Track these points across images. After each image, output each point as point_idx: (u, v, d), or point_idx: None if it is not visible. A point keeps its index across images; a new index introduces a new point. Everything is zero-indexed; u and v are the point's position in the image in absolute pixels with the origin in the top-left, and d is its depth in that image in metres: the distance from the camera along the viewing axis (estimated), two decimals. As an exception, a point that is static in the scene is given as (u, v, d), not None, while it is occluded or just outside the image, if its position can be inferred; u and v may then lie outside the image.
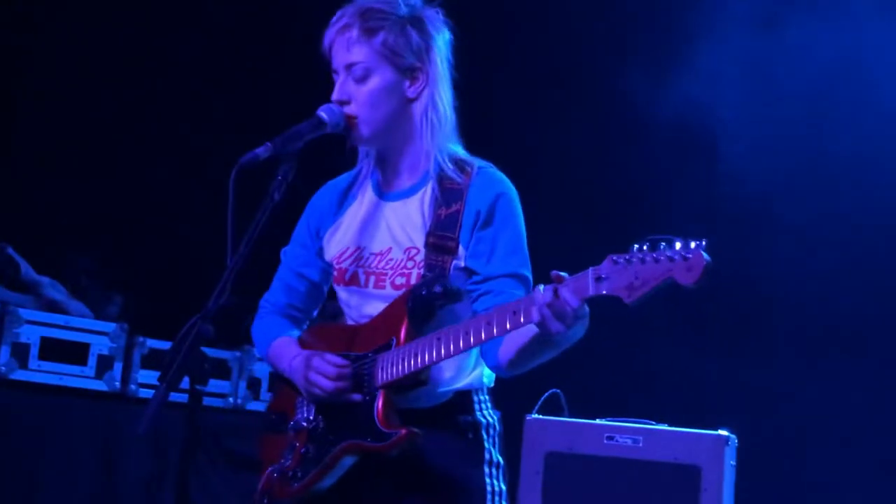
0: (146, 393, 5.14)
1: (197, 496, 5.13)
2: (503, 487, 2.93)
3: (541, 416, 4.58)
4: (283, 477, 2.94)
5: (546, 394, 4.57)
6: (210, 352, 5.13)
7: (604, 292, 2.48)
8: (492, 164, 2.99)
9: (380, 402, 2.81)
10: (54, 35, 6.52)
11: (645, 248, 2.45)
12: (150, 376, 5.18)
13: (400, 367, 2.79)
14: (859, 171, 5.42)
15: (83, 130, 6.43)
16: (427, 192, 2.94)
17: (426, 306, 2.80)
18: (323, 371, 2.87)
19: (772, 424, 5.33)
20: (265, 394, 5.55)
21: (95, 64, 6.47)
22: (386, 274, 2.93)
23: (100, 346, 5.10)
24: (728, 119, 5.70)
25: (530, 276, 2.90)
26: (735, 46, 5.66)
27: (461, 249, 2.86)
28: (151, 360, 5.20)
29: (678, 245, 2.41)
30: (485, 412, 2.95)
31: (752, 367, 5.56)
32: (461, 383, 2.92)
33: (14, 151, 6.37)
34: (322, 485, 2.89)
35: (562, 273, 2.56)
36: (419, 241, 2.89)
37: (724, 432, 4.44)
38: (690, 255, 2.39)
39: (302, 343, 3.05)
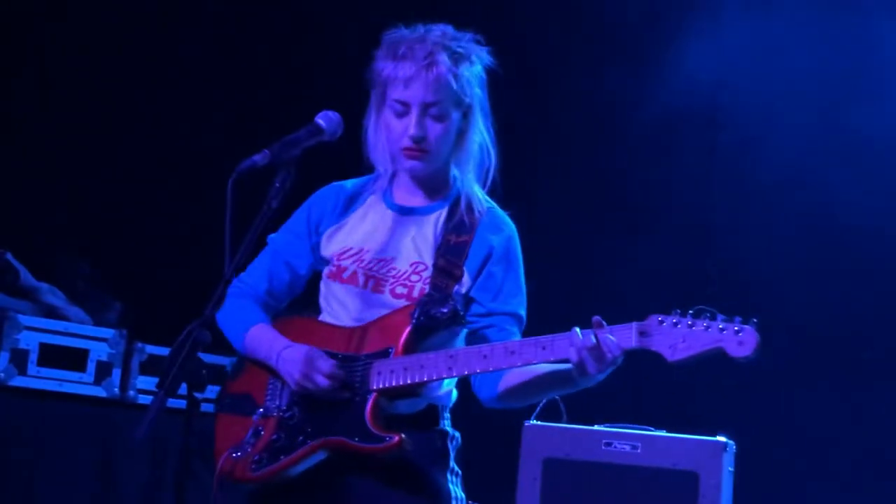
0: (145, 399, 5.14)
1: (194, 502, 5.12)
2: (462, 495, 3.04)
3: (539, 423, 4.59)
4: (246, 460, 2.99)
5: (545, 400, 4.57)
6: (208, 358, 5.09)
7: (645, 347, 2.74)
8: (497, 206, 3.10)
9: (370, 405, 2.90)
10: (49, 38, 6.52)
11: (689, 313, 2.72)
12: (148, 382, 5.17)
13: (401, 377, 2.88)
14: (859, 174, 5.40)
15: (81, 135, 6.42)
16: (442, 215, 3.04)
17: (431, 324, 2.90)
18: (322, 370, 2.91)
19: (770, 430, 5.33)
20: (263, 400, 5.54)
21: (92, 68, 6.47)
22: (387, 280, 2.99)
23: (99, 352, 5.10)
24: (727, 117, 5.68)
25: (525, 318, 3.07)
26: (740, 32, 5.64)
27: (466, 278, 2.98)
28: (150, 366, 5.19)
29: (728, 319, 2.71)
30: (447, 426, 3.06)
31: (751, 372, 5.53)
32: (435, 396, 3.02)
33: (12, 156, 6.36)
34: (288, 473, 2.95)
35: (602, 321, 2.76)
36: (428, 259, 2.99)
37: (722, 438, 4.45)
38: (743, 332, 2.69)
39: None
